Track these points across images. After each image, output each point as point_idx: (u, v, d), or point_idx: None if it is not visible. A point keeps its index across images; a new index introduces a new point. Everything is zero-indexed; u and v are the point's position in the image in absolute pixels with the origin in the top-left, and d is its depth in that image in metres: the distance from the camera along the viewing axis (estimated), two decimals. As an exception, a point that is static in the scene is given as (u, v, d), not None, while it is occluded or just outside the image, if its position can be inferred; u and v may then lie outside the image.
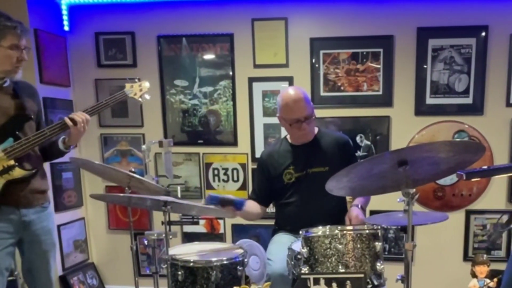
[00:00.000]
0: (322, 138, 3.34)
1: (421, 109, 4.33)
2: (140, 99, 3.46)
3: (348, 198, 3.52)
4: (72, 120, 2.91)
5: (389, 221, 2.79)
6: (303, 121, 3.12)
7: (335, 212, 3.27)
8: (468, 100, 4.27)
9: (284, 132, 4.29)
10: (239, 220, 4.36)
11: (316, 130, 3.35)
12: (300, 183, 3.27)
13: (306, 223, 2.78)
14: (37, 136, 2.85)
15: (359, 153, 4.36)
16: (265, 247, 3.36)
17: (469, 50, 4.22)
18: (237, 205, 3.07)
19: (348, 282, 2.30)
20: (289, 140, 3.39)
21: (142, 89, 3.44)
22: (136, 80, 3.43)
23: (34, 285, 3.16)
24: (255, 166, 4.39)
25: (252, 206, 3.35)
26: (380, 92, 4.35)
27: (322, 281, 2.31)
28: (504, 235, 4.39)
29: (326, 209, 3.20)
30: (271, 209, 4.34)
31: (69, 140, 3.01)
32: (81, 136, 3.02)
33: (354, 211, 3.11)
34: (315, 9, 4.32)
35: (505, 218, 4.29)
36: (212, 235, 4.64)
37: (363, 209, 3.25)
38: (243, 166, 4.57)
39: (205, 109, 4.55)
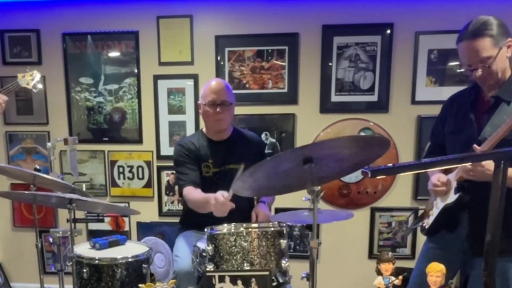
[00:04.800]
0: (238, 137, 3.31)
1: (326, 106, 4.12)
2: (33, 88, 3.55)
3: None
4: None
5: (295, 219, 2.75)
6: (218, 104, 3.08)
7: (245, 210, 3.16)
8: (373, 98, 4.07)
9: (189, 130, 4.17)
10: (144, 218, 4.26)
11: (231, 129, 3.31)
12: (216, 178, 3.17)
13: (215, 217, 2.75)
14: None
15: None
16: (170, 244, 3.32)
17: (374, 48, 4.02)
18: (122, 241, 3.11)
19: (253, 279, 2.26)
20: (206, 134, 3.29)
21: (34, 78, 3.52)
22: (27, 70, 3.48)
23: None
24: (160, 164, 4.29)
25: (197, 192, 3.15)
26: (285, 90, 4.15)
27: (227, 279, 2.27)
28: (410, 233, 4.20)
29: (238, 206, 2.99)
30: (178, 206, 4.22)
31: None
32: None
33: (261, 207, 3.10)
34: (220, 7, 4.12)
35: (412, 218, 4.12)
36: (117, 233, 4.44)
37: (268, 206, 3.24)
38: (148, 163, 4.35)
39: (110, 107, 4.34)
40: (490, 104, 2.48)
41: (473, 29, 2.34)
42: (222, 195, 2.69)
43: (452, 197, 2.53)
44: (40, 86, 3.53)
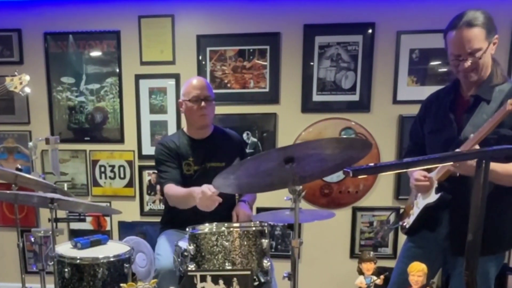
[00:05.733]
0: (218, 135, 3.27)
1: (308, 106, 4.06)
2: (21, 92, 3.49)
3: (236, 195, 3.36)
4: None
5: (276, 218, 2.70)
6: (202, 99, 3.05)
7: (227, 209, 3.09)
8: (355, 97, 4.02)
9: (171, 130, 4.10)
10: (125, 217, 4.18)
11: (212, 127, 3.26)
12: (197, 176, 3.10)
13: (197, 216, 2.73)
14: None
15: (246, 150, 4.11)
16: (152, 244, 3.27)
17: (356, 47, 3.96)
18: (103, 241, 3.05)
19: (235, 279, 2.24)
20: (187, 133, 3.23)
21: (22, 82, 3.46)
22: (16, 73, 3.40)
23: None
24: (142, 163, 4.21)
25: (179, 188, 3.06)
26: (267, 89, 4.08)
27: (208, 279, 2.24)
28: (391, 233, 4.16)
29: (219, 206, 2.98)
30: (159, 206, 4.15)
31: None
32: None
33: (241, 207, 3.05)
34: (202, 6, 4.04)
35: (393, 217, 4.08)
36: (99, 233, 4.35)
37: (250, 205, 3.18)
38: (130, 163, 4.27)
39: (91, 106, 4.24)
40: (470, 104, 2.43)
41: (467, 19, 2.26)
42: (209, 189, 2.61)
43: (433, 197, 2.48)
44: (28, 90, 3.47)
